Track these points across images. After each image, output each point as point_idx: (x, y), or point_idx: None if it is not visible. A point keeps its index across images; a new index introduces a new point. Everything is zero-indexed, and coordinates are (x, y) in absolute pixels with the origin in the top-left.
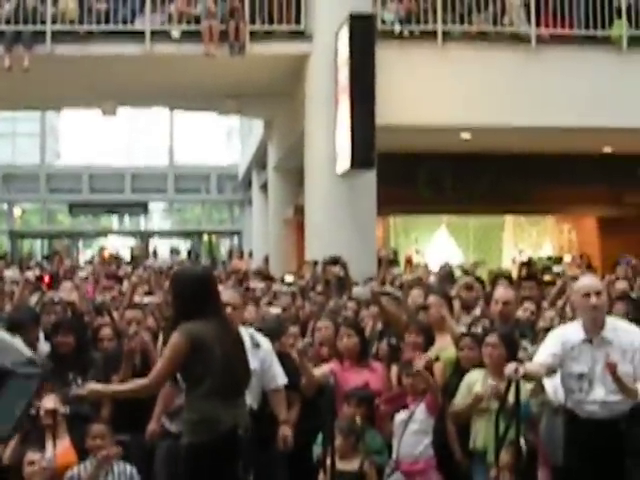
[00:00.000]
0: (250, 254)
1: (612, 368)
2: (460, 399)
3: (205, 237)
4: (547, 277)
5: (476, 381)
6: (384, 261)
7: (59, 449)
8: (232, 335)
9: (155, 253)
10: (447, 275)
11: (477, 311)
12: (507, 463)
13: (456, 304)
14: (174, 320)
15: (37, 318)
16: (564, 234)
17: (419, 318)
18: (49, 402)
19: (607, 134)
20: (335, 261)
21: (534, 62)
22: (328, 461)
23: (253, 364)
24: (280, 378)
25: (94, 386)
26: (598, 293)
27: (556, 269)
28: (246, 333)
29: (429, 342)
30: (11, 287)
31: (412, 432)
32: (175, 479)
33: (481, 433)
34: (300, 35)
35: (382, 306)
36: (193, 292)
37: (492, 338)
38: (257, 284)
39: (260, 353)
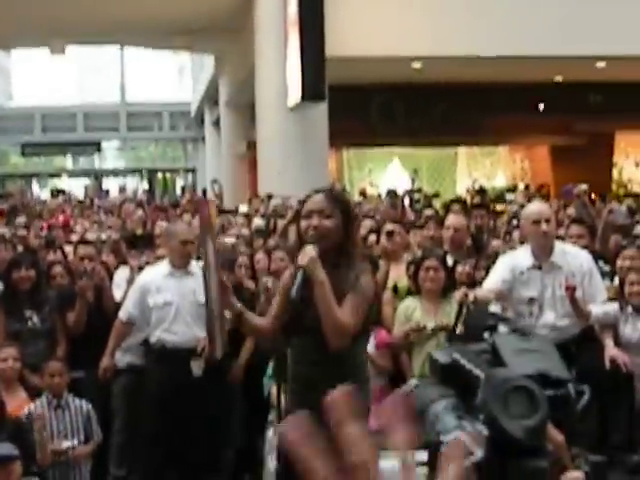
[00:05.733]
0: (204, 191)
1: (571, 290)
2: (398, 327)
3: (160, 175)
4: (499, 207)
5: (414, 308)
6: None
7: (14, 405)
8: None
9: (107, 192)
10: (395, 202)
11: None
12: None
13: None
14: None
15: None
16: (517, 163)
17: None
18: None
19: (557, 63)
20: None
21: None
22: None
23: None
24: None
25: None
26: (547, 220)
27: (509, 197)
28: (198, 267)
29: (374, 270)
30: None
31: None
32: (136, 414)
33: (420, 360)
34: None
35: None
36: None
37: (432, 262)
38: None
39: None
